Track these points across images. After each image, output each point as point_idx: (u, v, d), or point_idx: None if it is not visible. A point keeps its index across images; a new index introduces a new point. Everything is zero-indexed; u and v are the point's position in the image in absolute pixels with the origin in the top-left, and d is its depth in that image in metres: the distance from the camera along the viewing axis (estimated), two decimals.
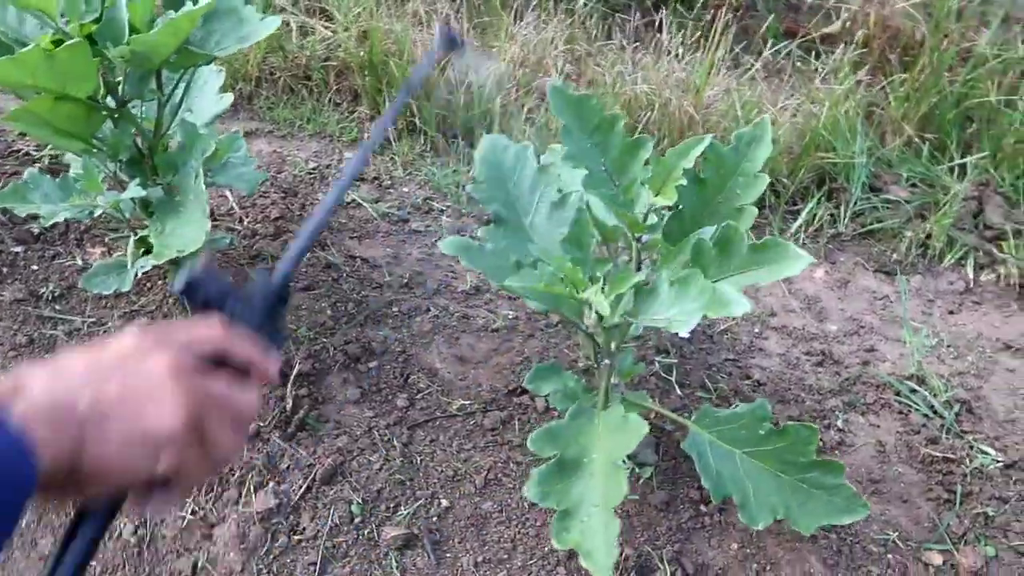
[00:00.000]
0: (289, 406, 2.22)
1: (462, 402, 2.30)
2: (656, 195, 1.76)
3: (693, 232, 1.81)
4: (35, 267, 2.57)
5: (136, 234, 2.30)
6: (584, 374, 2.36)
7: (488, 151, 2.06)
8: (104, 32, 1.92)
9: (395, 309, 2.54)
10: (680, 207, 1.83)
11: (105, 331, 2.41)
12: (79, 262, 2.60)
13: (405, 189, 3.08)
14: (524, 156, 2.05)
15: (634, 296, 1.70)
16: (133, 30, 1.94)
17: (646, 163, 1.77)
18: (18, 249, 2.61)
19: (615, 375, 1.97)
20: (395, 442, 2.19)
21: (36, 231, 2.68)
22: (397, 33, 3.37)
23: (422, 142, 3.25)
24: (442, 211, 3.00)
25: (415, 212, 2.98)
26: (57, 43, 1.96)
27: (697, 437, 1.91)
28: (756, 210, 1.81)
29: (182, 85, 2.17)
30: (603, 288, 1.66)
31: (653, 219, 1.79)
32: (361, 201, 2.96)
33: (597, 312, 1.69)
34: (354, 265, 2.68)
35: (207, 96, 2.45)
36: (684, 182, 1.75)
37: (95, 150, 2.14)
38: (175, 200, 2.07)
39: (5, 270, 2.54)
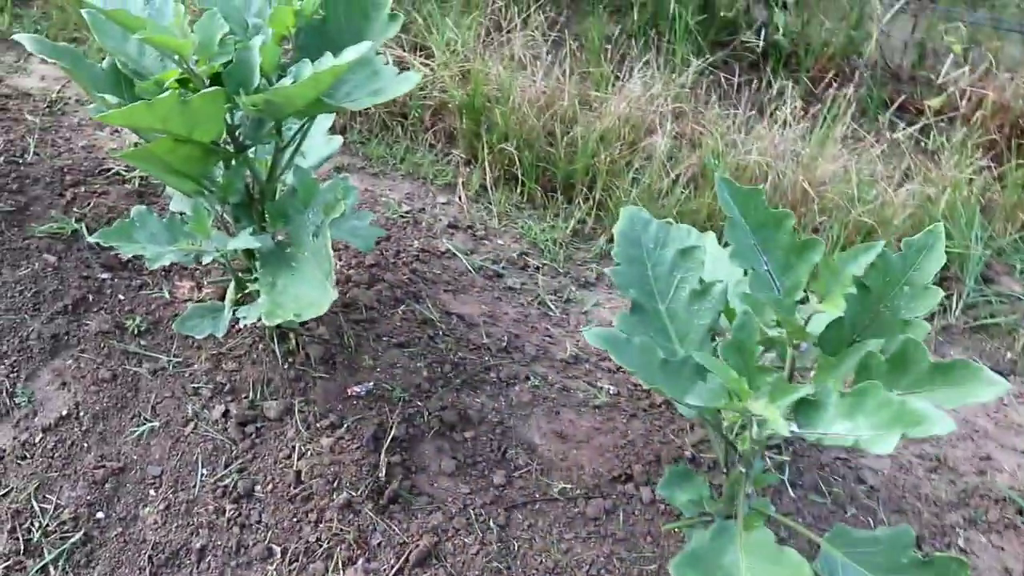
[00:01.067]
0: (383, 474, 2.09)
1: (563, 485, 2.16)
2: (820, 301, 1.62)
3: (854, 342, 1.67)
4: (121, 296, 2.47)
5: (237, 278, 2.19)
6: (700, 469, 2.22)
7: (627, 225, 1.93)
8: (233, 76, 1.82)
9: (493, 375, 2.41)
10: (840, 315, 1.69)
11: (191, 372, 2.29)
12: (166, 295, 2.49)
13: (500, 241, 2.96)
14: (665, 235, 1.92)
15: (794, 407, 1.56)
16: (262, 75, 1.84)
17: (814, 267, 1.63)
18: (105, 276, 2.51)
19: (748, 483, 1.82)
20: (492, 524, 2.06)
21: (124, 258, 2.58)
22: (500, 77, 3.26)
23: (519, 192, 3.13)
24: (538, 268, 2.87)
25: (510, 267, 2.85)
26: (183, 82, 1.86)
27: (830, 557, 1.76)
28: (928, 325, 1.66)
29: (300, 131, 2.06)
30: (768, 400, 1.52)
31: (813, 326, 1.65)
32: (456, 252, 2.84)
33: (756, 423, 1.55)
34: (450, 322, 2.55)
35: (316, 137, 2.35)
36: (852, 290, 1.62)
37: (205, 191, 2.03)
38: (286, 252, 1.96)
39: (91, 297, 2.44)
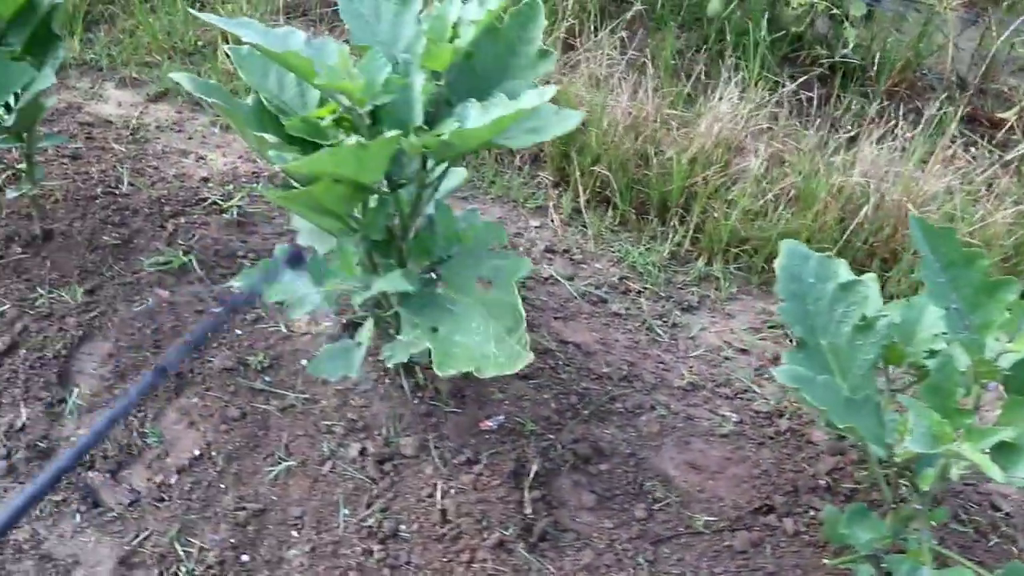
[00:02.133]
0: (529, 511, 2.07)
1: (706, 518, 2.14)
2: (1010, 341, 1.60)
3: None
4: (239, 331, 2.45)
5: (377, 317, 2.16)
6: (839, 498, 2.21)
7: (787, 260, 1.91)
8: (393, 115, 1.80)
9: (619, 405, 2.39)
10: None
11: (320, 409, 2.27)
12: (283, 328, 2.47)
13: (598, 265, 2.94)
14: (826, 269, 1.90)
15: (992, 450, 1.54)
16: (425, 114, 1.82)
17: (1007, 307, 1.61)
18: (219, 310, 2.49)
19: (920, 520, 1.81)
20: (640, 559, 2.04)
21: (237, 292, 2.55)
22: (585, 98, 3.24)
23: (611, 215, 3.11)
24: (640, 292, 2.85)
25: (612, 292, 2.83)
26: (339, 122, 1.85)
27: None
28: None
29: (442, 166, 2.04)
30: (968, 442, 1.50)
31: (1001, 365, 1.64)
32: (557, 278, 2.82)
33: (954, 464, 1.53)
34: (567, 352, 2.53)
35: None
36: None
37: (348, 229, 2.01)
38: (439, 294, 1.93)
39: (209, 334, 2.42)
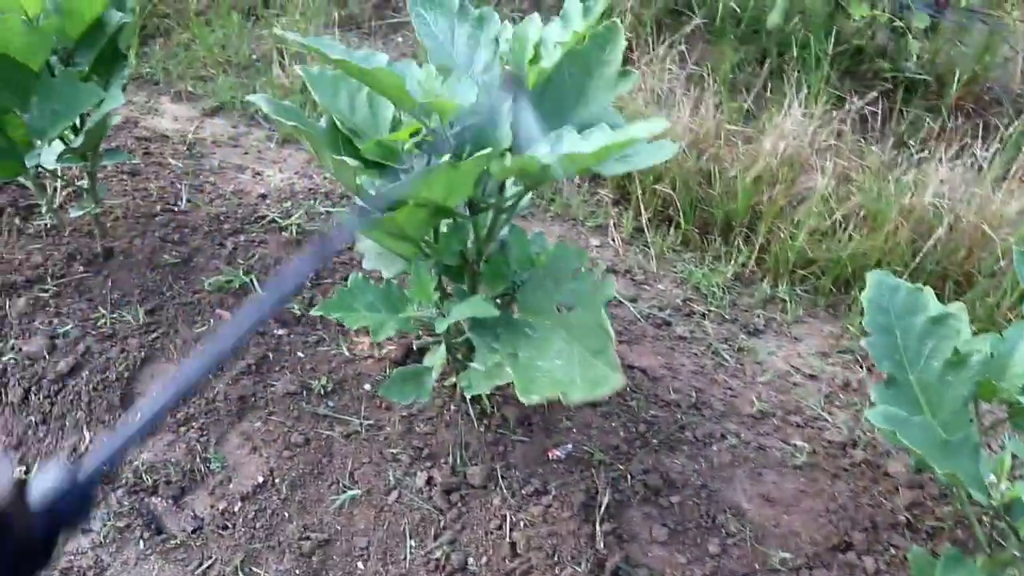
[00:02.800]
0: (601, 546, 2.01)
1: (782, 555, 2.07)
2: None
3: None
4: (300, 354, 2.41)
5: (449, 342, 2.12)
6: (919, 536, 2.13)
7: (875, 292, 1.84)
8: (479, 138, 1.75)
9: (688, 434, 2.33)
10: None
11: (385, 436, 2.23)
12: (345, 351, 2.43)
13: (661, 286, 2.87)
14: (916, 301, 1.83)
15: None
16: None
17: None
18: (281, 332, 2.46)
19: (1019, 567, 1.72)
20: None
21: (298, 312, 2.52)
22: (647, 114, 3.18)
23: (673, 234, 3.04)
24: (704, 315, 2.78)
25: (676, 314, 2.77)
26: (418, 145, 1.81)
27: None
28: None
29: (520, 189, 1.99)
30: None
31: None
32: (620, 299, 2.76)
33: None
34: (634, 377, 2.47)
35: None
36: None
37: (422, 254, 1.97)
38: (517, 319, 1.88)
39: (271, 356, 2.39)
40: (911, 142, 3.48)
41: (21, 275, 2.54)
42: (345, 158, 1.75)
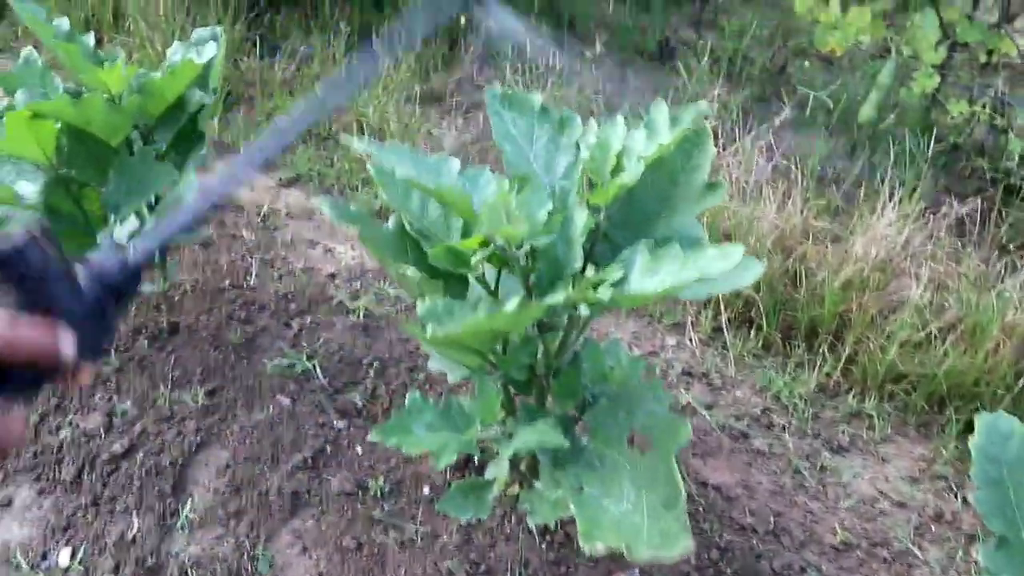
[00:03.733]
0: None
1: None
2: None
3: None
4: (359, 449, 2.32)
5: (512, 461, 2.00)
6: None
7: (985, 438, 1.67)
8: (550, 255, 1.66)
9: (764, 563, 2.16)
10: None
11: (441, 546, 2.11)
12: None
13: (739, 393, 2.72)
14: None
15: None
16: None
17: None
18: (341, 424, 2.37)
19: None
20: None
21: (359, 403, 2.44)
22: (731, 208, 3.06)
23: (754, 337, 2.89)
24: (784, 427, 2.62)
25: (754, 425, 2.61)
26: (491, 259, 1.72)
27: None
28: None
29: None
30: None
31: None
32: (696, 406, 2.62)
33: None
34: (708, 496, 2.32)
35: None
36: None
37: (488, 366, 1.87)
38: (586, 446, 1.76)
39: (329, 449, 2.30)
40: (1011, 248, 3.29)
41: None
42: (408, 268, 1.67)
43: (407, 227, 1.86)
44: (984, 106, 3.60)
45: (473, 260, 1.72)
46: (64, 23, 2.23)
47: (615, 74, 4.14)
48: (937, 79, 3.52)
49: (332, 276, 2.94)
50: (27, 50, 2.28)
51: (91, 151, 2.24)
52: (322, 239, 3.20)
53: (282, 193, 3.45)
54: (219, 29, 2.34)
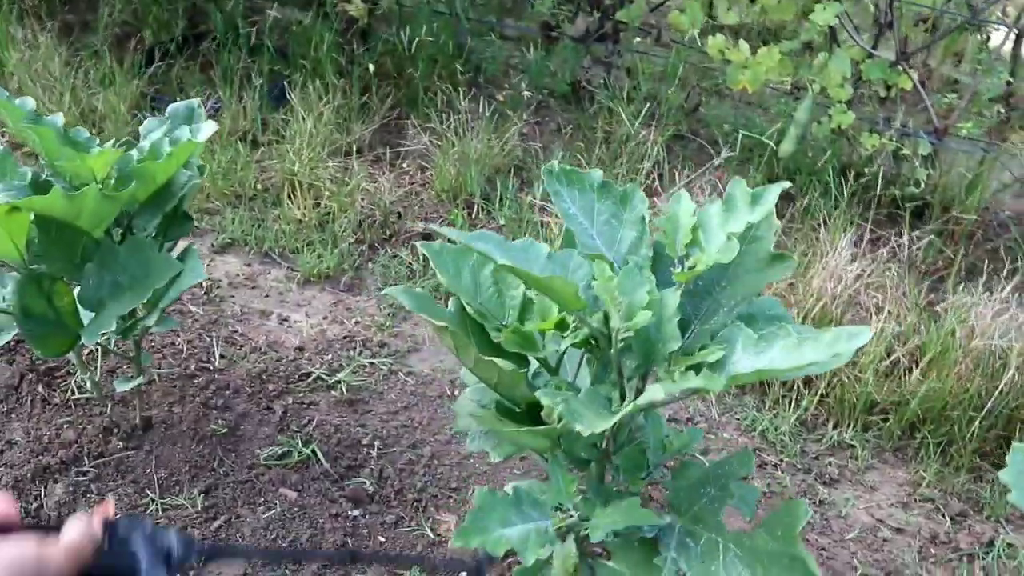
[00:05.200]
0: None
1: None
2: None
3: None
4: (381, 538, 2.20)
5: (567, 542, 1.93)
6: None
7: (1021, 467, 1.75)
8: (642, 336, 1.62)
9: None
10: None
11: None
12: (429, 532, 2.22)
13: (726, 435, 2.76)
14: None
15: None
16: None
17: None
18: (355, 512, 2.24)
19: None
20: None
21: (370, 489, 2.31)
22: None
23: None
24: (775, 465, 2.68)
25: None
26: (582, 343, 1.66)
27: None
28: None
29: None
30: None
31: None
32: (692, 454, 2.63)
33: None
34: None
35: None
36: None
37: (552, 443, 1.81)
38: (670, 527, 1.72)
39: (351, 542, 2.16)
40: (933, 270, 3.51)
41: (54, 455, 2.26)
42: (497, 361, 1.60)
43: (467, 308, 1.78)
44: (891, 138, 3.83)
45: (543, 338, 1.67)
46: (29, 102, 2.01)
47: (532, 117, 4.15)
48: (852, 115, 3.72)
49: (300, 350, 2.78)
50: None
51: (65, 242, 2.03)
52: (273, 308, 3.02)
53: (218, 261, 3.24)
54: (196, 102, 2.18)
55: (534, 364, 1.83)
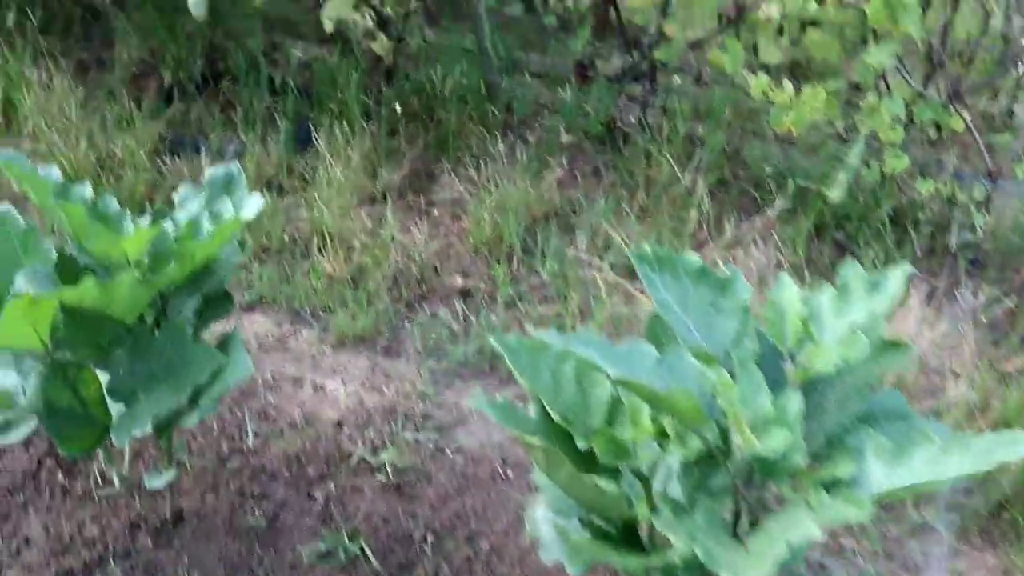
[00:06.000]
0: None
1: None
2: None
3: None
4: None
5: None
6: None
7: None
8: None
9: None
10: None
11: None
12: None
13: None
14: None
15: None
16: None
17: None
18: None
19: None
20: None
21: None
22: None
23: None
24: (854, 551, 2.47)
25: (828, 555, 2.45)
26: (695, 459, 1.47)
27: None
28: None
29: None
30: None
31: None
32: None
33: None
34: None
35: None
36: None
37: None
38: None
39: None
40: (1006, 328, 3.31)
41: (77, 557, 2.05)
42: (600, 482, 1.40)
43: (549, 411, 1.59)
44: (945, 183, 3.64)
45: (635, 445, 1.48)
46: (54, 172, 1.81)
47: (567, 160, 3.96)
48: (906, 159, 3.53)
49: (339, 425, 2.58)
50: (2, 209, 1.85)
51: (92, 326, 1.83)
52: (306, 373, 2.82)
53: (246, 320, 3.04)
54: (235, 167, 1.99)
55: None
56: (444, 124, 4.00)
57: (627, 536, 1.57)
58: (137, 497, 2.22)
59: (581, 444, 1.58)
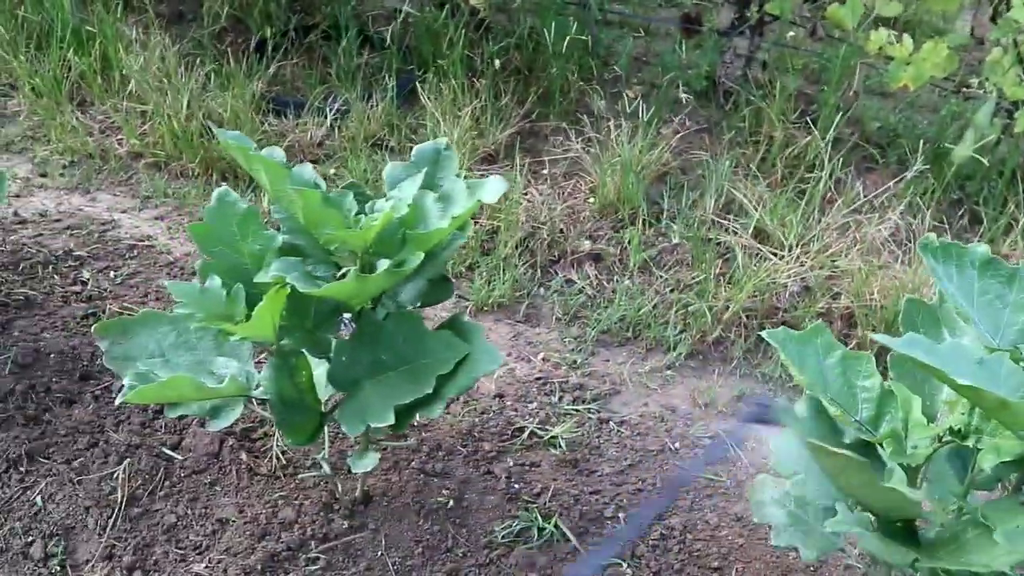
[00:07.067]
0: None
1: None
2: None
3: None
4: None
5: None
6: None
7: None
8: None
9: None
10: None
11: None
12: None
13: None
14: None
15: None
16: None
17: None
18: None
19: None
20: None
21: (628, 573, 2.08)
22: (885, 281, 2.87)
23: None
24: None
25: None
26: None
27: None
28: None
29: None
30: None
31: None
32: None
33: None
34: None
35: None
36: None
37: None
38: None
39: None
40: None
41: (277, 539, 2.03)
42: (907, 493, 1.36)
43: (825, 406, 1.54)
44: None
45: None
46: (277, 153, 1.74)
47: (671, 116, 3.86)
48: None
49: (500, 397, 2.54)
50: (221, 190, 1.78)
51: (307, 311, 1.78)
52: None
53: None
54: (443, 142, 1.92)
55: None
56: (548, 80, 3.89)
57: (907, 533, 1.54)
58: (318, 477, 2.19)
59: (848, 437, 1.55)
